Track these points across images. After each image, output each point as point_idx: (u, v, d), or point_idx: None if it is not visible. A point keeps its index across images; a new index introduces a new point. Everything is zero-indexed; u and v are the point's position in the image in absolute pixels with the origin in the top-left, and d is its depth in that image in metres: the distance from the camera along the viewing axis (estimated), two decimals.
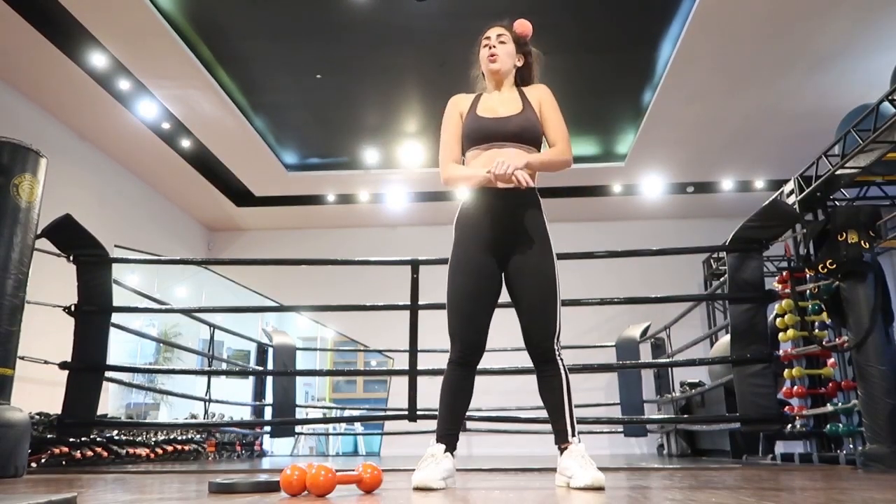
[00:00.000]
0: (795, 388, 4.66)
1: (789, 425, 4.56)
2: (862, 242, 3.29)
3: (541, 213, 2.24)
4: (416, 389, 3.63)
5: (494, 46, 2.37)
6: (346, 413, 10.09)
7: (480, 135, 2.26)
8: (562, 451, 2.09)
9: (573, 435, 2.07)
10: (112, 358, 4.16)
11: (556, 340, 2.14)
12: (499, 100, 2.34)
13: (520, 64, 2.42)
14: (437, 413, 2.21)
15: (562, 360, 2.15)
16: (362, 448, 9.86)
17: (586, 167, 8.60)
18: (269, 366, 7.48)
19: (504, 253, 2.20)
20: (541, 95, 2.35)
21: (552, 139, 2.30)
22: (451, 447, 2.14)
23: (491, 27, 2.44)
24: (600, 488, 1.90)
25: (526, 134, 2.24)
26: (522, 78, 2.44)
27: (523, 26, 2.47)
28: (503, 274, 2.23)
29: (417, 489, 1.96)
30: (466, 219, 2.25)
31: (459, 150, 2.33)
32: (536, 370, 2.18)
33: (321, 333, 10.72)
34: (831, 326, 4.51)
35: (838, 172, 5.27)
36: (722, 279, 4.13)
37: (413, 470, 2.06)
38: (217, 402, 6.28)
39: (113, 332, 3.90)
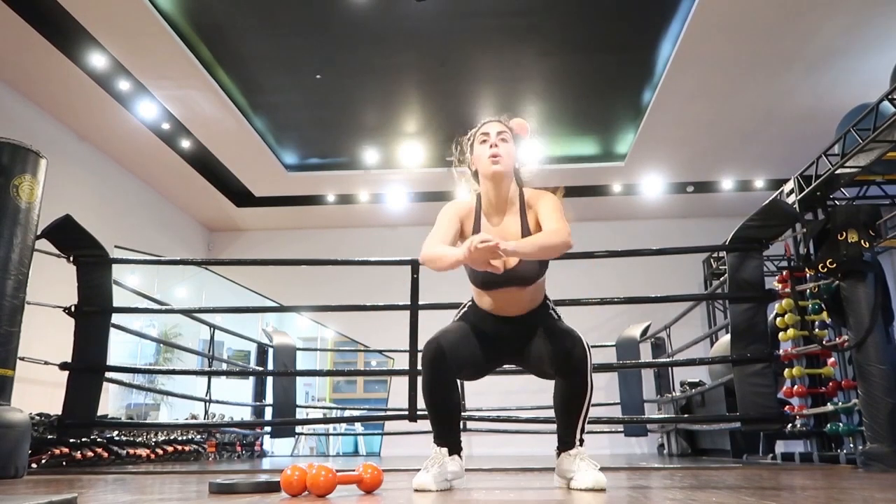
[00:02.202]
0: (796, 387, 4.66)
1: (789, 425, 4.56)
2: (862, 242, 3.29)
3: (551, 314, 2.16)
4: (416, 389, 3.63)
5: (496, 145, 2.12)
6: (347, 413, 10.08)
7: (485, 282, 2.09)
8: (560, 452, 2.07)
9: (580, 441, 2.03)
10: (112, 358, 4.16)
11: (587, 350, 1.98)
12: (501, 226, 2.14)
13: (517, 166, 2.22)
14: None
15: (592, 371, 1.99)
16: (363, 448, 9.86)
17: (586, 167, 8.60)
18: (270, 366, 7.48)
19: (514, 352, 2.17)
20: (541, 207, 2.13)
21: (546, 225, 2.06)
22: (458, 448, 2.10)
23: (488, 122, 2.19)
24: (602, 490, 1.89)
25: (530, 278, 2.07)
26: (518, 178, 2.23)
27: (523, 127, 2.23)
28: (521, 359, 2.18)
29: (417, 491, 1.96)
30: (473, 318, 2.17)
31: (451, 241, 2.11)
32: (562, 378, 2.03)
33: (321, 333, 10.72)
34: (831, 326, 4.51)
35: (838, 172, 5.27)
36: (722, 279, 4.13)
37: (414, 470, 2.06)
38: (217, 402, 6.27)
39: (113, 332, 3.89)
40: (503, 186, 2.14)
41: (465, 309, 2.24)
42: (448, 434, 2.09)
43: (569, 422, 2.02)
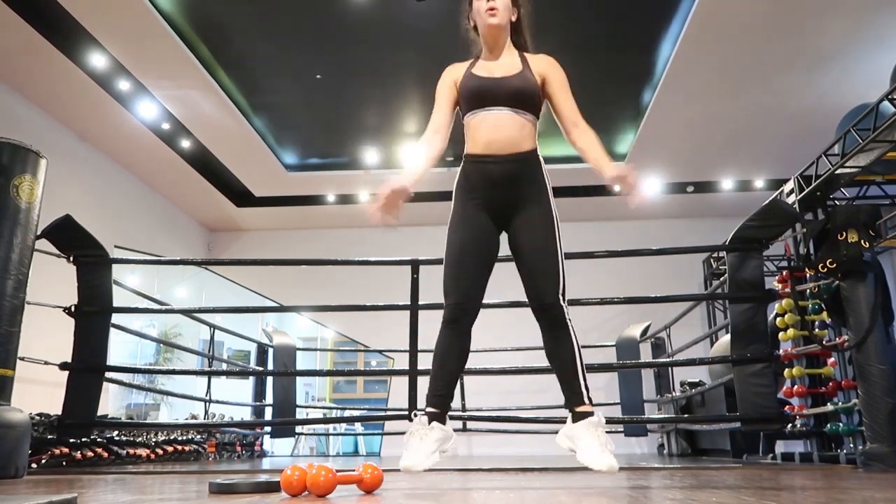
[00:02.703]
0: (796, 387, 4.66)
1: (789, 425, 4.56)
2: (862, 242, 3.29)
3: (541, 171, 2.21)
4: (416, 389, 3.62)
5: None
6: (347, 413, 10.09)
7: (476, 96, 2.21)
8: (576, 415, 2.05)
9: (588, 399, 2.05)
10: (112, 358, 4.16)
11: (562, 297, 2.09)
12: (496, 62, 2.28)
13: (514, 18, 2.33)
14: None
15: (571, 320, 2.11)
16: (363, 448, 9.85)
17: (586, 167, 8.43)
18: (270, 366, 7.48)
19: (504, 213, 2.19)
20: (545, 68, 2.28)
21: (570, 119, 2.24)
22: (440, 412, 2.11)
23: None
24: (613, 473, 1.92)
25: (522, 96, 2.19)
26: (516, 35, 2.36)
27: None
28: (507, 236, 2.22)
29: (406, 471, 1.96)
30: (465, 181, 2.23)
31: (445, 120, 2.29)
32: (544, 334, 2.13)
33: (321, 333, 10.72)
34: (831, 326, 4.51)
35: (838, 172, 5.27)
36: (722, 279, 4.13)
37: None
38: (217, 402, 6.28)
39: (113, 332, 3.90)
40: (500, 39, 2.29)
41: (456, 183, 2.26)
42: (441, 392, 2.12)
43: (565, 375, 2.09)
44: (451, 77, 2.33)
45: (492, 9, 2.23)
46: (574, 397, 2.07)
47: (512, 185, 2.16)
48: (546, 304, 2.10)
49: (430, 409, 2.12)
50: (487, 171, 2.18)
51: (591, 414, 2.03)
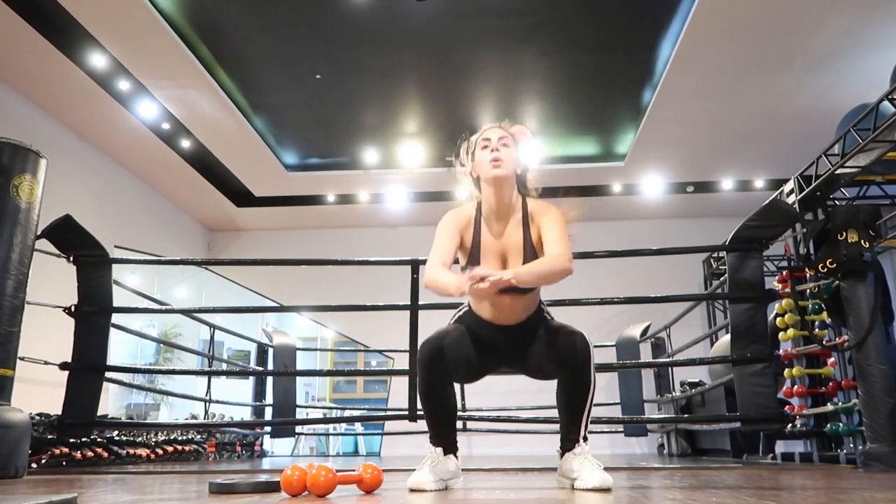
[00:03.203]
0: (796, 387, 4.66)
1: (789, 425, 4.56)
2: (862, 242, 3.29)
3: (544, 313, 2.18)
4: (416, 389, 3.62)
5: (497, 150, 2.12)
6: (347, 413, 10.08)
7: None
8: (564, 452, 2.06)
9: (584, 439, 2.03)
10: (112, 358, 4.16)
11: (590, 344, 2.01)
12: (504, 236, 2.14)
13: (519, 172, 2.20)
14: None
15: (594, 366, 2.01)
16: (363, 448, 9.85)
17: (586, 167, 8.60)
18: (270, 366, 7.48)
19: (510, 356, 2.18)
20: (542, 219, 2.14)
21: (547, 247, 2.07)
22: (453, 448, 2.11)
23: (489, 128, 2.19)
24: (608, 490, 1.88)
25: (530, 287, 2.07)
26: (520, 185, 2.23)
27: (524, 133, 2.23)
28: (523, 365, 2.19)
29: (412, 490, 1.96)
30: (469, 324, 2.17)
31: (450, 259, 2.13)
32: (563, 380, 2.05)
33: (321, 333, 10.72)
34: (831, 326, 4.51)
35: (838, 172, 5.27)
36: (722, 279, 4.13)
37: (413, 470, 2.06)
38: (217, 402, 6.27)
39: (113, 332, 3.89)
40: (505, 192, 2.14)
41: (461, 313, 2.24)
42: (444, 434, 2.09)
43: (572, 419, 2.03)
44: (458, 228, 2.17)
45: (497, 160, 2.10)
46: (567, 442, 2.04)
47: (519, 338, 2.14)
48: (576, 356, 1.99)
49: (444, 443, 2.10)
50: (492, 333, 2.15)
51: (574, 447, 2.02)
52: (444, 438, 2.09)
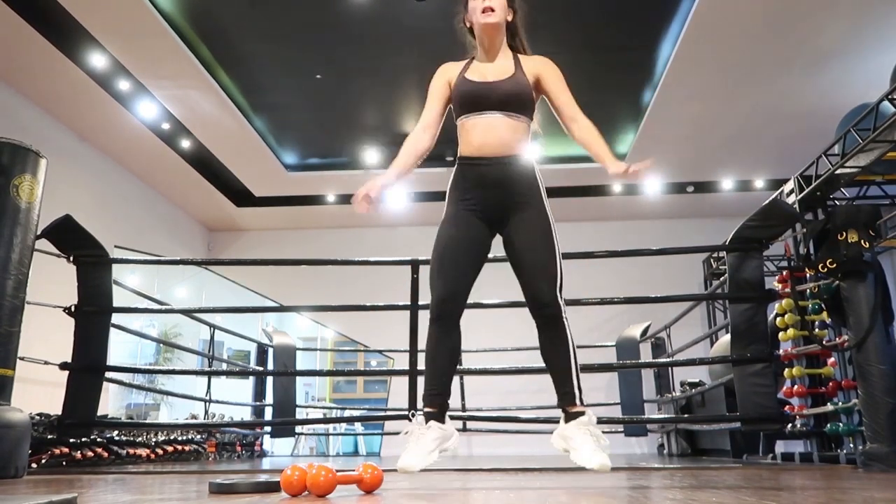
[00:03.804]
0: (796, 387, 4.66)
1: (789, 425, 4.56)
2: (862, 242, 3.29)
3: (535, 173, 2.22)
4: (416, 389, 3.62)
5: None
6: (347, 413, 10.09)
7: (468, 100, 2.22)
8: (567, 415, 2.06)
9: (581, 399, 2.05)
10: (112, 358, 4.16)
11: (559, 295, 2.09)
12: (490, 65, 2.29)
13: (509, 18, 2.33)
14: None
15: (567, 318, 2.11)
16: (363, 448, 9.85)
17: (586, 167, 8.60)
18: (270, 366, 7.48)
19: (497, 215, 2.19)
20: (539, 67, 2.29)
21: (569, 115, 2.24)
22: (437, 411, 2.10)
23: None
24: (606, 471, 1.93)
25: (515, 100, 2.20)
26: (511, 36, 2.36)
27: None
28: (502, 239, 2.23)
29: (403, 472, 1.96)
30: (458, 183, 2.24)
31: (435, 117, 2.31)
32: (540, 331, 2.13)
33: (321, 333, 10.71)
34: (831, 326, 4.51)
35: (838, 172, 5.27)
36: (722, 279, 4.13)
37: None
38: (217, 402, 6.27)
39: (113, 332, 3.89)
40: (496, 39, 2.29)
41: (450, 184, 2.26)
42: (436, 391, 2.11)
43: (560, 374, 2.08)
44: (445, 77, 2.34)
45: (487, 8, 2.23)
46: (566, 397, 2.07)
47: (505, 186, 2.17)
48: (543, 301, 2.09)
49: (427, 409, 2.12)
50: (480, 173, 2.19)
51: (582, 414, 2.03)
52: (438, 392, 2.11)
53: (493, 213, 2.19)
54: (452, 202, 2.23)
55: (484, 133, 2.18)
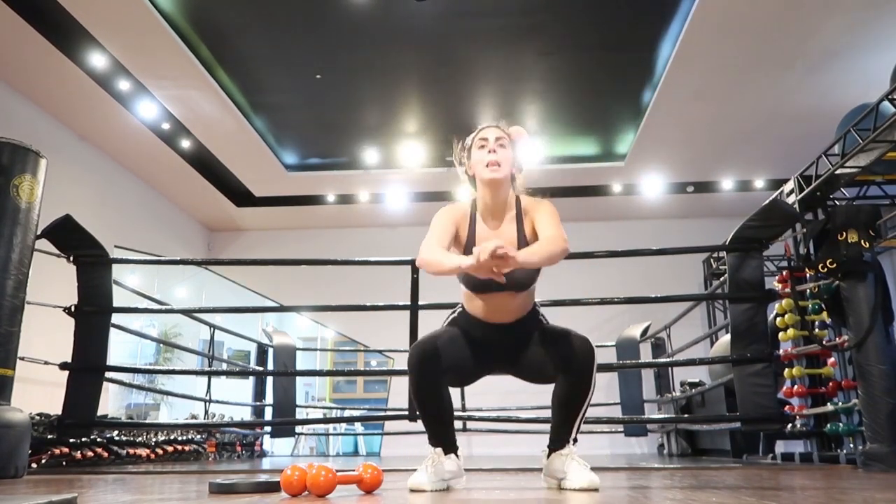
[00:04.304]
0: (796, 387, 4.66)
1: (789, 425, 4.56)
2: (862, 242, 3.29)
3: (538, 318, 2.19)
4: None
5: (494, 151, 2.11)
6: (347, 413, 10.08)
7: (477, 285, 2.07)
8: (551, 451, 2.05)
9: (573, 440, 2.03)
10: (112, 358, 4.16)
11: (595, 358, 2.00)
12: (496, 234, 2.14)
13: (514, 172, 2.19)
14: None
15: (596, 369, 2.00)
16: (363, 448, 9.85)
17: (586, 167, 8.60)
18: (270, 366, 7.48)
19: (504, 358, 2.17)
20: (536, 214, 2.14)
21: (542, 232, 2.07)
22: (453, 447, 2.09)
23: (486, 128, 2.18)
24: (595, 490, 1.88)
25: (525, 284, 2.09)
26: (511, 182, 2.22)
27: (521, 134, 2.22)
28: (515, 370, 2.19)
29: (412, 490, 1.96)
30: (461, 324, 2.18)
31: (448, 244, 2.12)
32: (563, 382, 2.03)
33: (321, 333, 10.71)
34: (831, 326, 4.51)
35: (838, 172, 5.27)
36: (722, 279, 4.13)
37: (413, 470, 2.06)
38: (217, 402, 6.27)
39: (113, 332, 3.89)
40: (500, 193, 2.14)
41: (455, 314, 2.24)
42: (441, 434, 2.08)
43: (566, 420, 2.02)
44: (453, 225, 2.16)
45: (493, 163, 2.09)
46: (559, 442, 2.02)
47: (514, 339, 2.14)
48: (578, 365, 1.98)
49: (446, 442, 2.09)
50: (486, 332, 2.15)
51: (563, 447, 2.01)
52: (442, 438, 2.07)
53: (498, 354, 2.16)
54: (453, 326, 2.19)
55: (493, 310, 2.12)
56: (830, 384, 4.48)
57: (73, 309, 3.60)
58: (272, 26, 6.02)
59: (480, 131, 2.19)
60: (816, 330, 4.52)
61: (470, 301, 2.17)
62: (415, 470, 2.03)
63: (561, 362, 2.01)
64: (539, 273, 2.13)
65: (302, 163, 8.72)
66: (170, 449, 5.47)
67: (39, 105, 6.61)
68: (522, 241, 2.11)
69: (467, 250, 2.12)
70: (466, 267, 1.86)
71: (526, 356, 2.13)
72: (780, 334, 4.79)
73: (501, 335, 2.14)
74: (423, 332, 3.71)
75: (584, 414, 2.01)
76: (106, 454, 4.60)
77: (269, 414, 6.85)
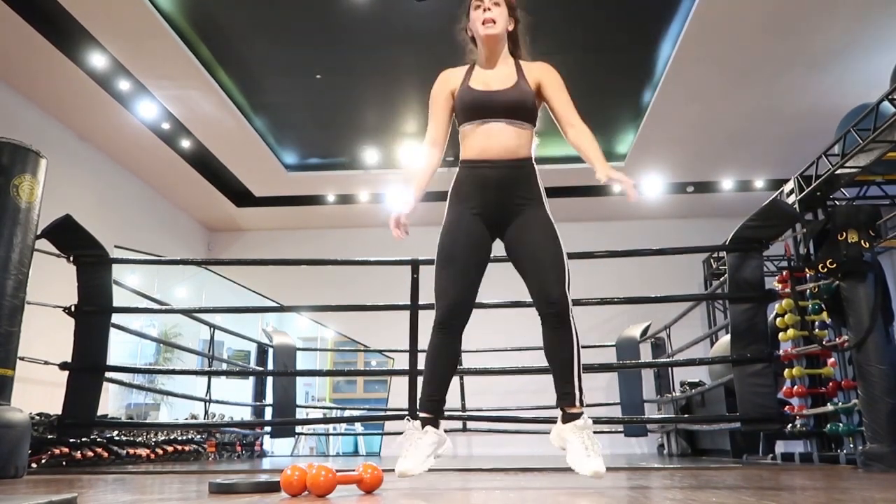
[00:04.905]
0: (796, 387, 4.66)
1: (789, 425, 4.56)
2: (862, 242, 3.29)
3: (536, 178, 2.22)
4: (416, 389, 3.62)
5: (489, 9, 2.25)
6: (347, 413, 10.08)
7: (472, 109, 2.22)
8: (565, 416, 2.07)
9: (580, 401, 2.05)
10: (112, 358, 4.16)
11: (567, 292, 2.10)
12: (493, 72, 2.28)
13: (510, 28, 2.32)
14: None
15: (574, 318, 2.10)
16: (363, 448, 9.85)
17: (586, 167, 8.47)
18: (270, 366, 7.48)
19: (498, 219, 2.20)
20: (540, 74, 2.29)
21: (566, 119, 2.26)
22: (433, 416, 2.12)
23: None
24: (599, 477, 1.94)
25: (519, 109, 2.20)
26: (512, 44, 2.36)
27: None
28: (504, 243, 2.23)
29: (402, 476, 1.97)
30: (460, 187, 2.25)
31: (442, 132, 2.33)
32: (546, 331, 2.12)
33: (321, 333, 10.71)
34: (831, 326, 4.51)
35: (838, 172, 5.27)
36: (722, 279, 4.13)
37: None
38: (217, 402, 6.27)
39: (113, 332, 3.89)
40: (497, 48, 2.29)
41: (451, 188, 2.28)
42: (435, 398, 2.12)
43: (563, 373, 2.08)
44: (448, 87, 2.33)
45: (488, 20, 2.23)
46: (566, 397, 2.07)
47: (506, 189, 2.18)
48: (552, 298, 2.09)
49: (423, 415, 2.13)
50: (482, 176, 2.19)
51: (579, 416, 2.04)
52: (434, 399, 2.12)
53: (494, 216, 2.19)
54: (453, 206, 2.24)
55: (487, 139, 2.19)
56: (830, 384, 4.48)
57: (73, 309, 3.60)
58: (272, 26, 6.02)
59: None
60: (816, 330, 4.52)
61: (465, 140, 2.24)
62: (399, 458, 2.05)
63: (535, 296, 2.12)
64: (537, 111, 2.26)
65: (302, 163, 8.72)
66: (170, 449, 5.47)
67: (40, 105, 6.61)
68: (522, 83, 2.23)
69: (459, 99, 2.27)
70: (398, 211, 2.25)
71: (515, 238, 2.18)
72: (780, 334, 4.79)
73: (498, 183, 2.18)
74: (423, 333, 3.72)
75: (579, 364, 2.08)
76: (106, 454, 4.59)
77: (269, 414, 6.85)
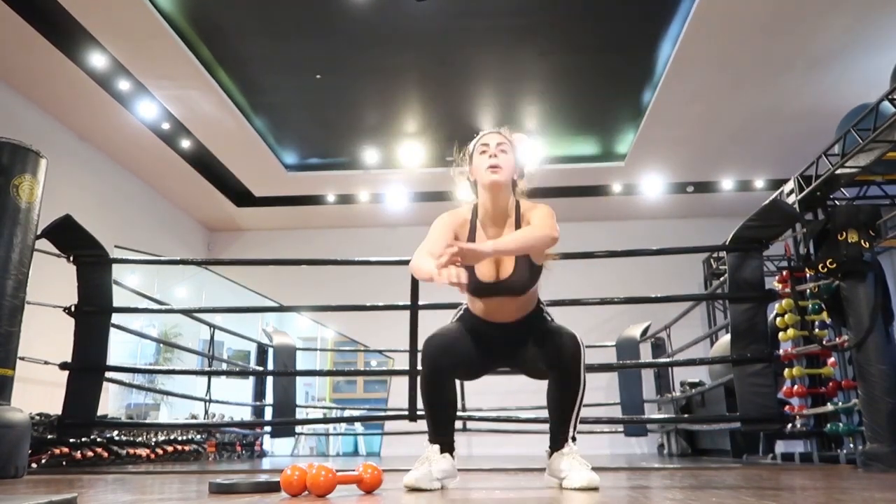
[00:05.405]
0: (796, 387, 4.66)
1: (789, 425, 4.56)
2: (862, 242, 3.29)
3: (543, 315, 2.19)
4: (416, 389, 3.62)
5: (496, 156, 2.12)
6: (347, 413, 10.08)
7: (476, 293, 2.14)
8: (552, 451, 2.07)
9: (572, 439, 2.04)
10: (112, 358, 4.16)
11: (582, 350, 2.03)
12: (495, 232, 2.16)
13: (515, 178, 2.19)
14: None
15: (586, 365, 2.03)
16: (363, 448, 9.85)
17: (586, 167, 8.60)
18: (270, 366, 7.48)
19: (507, 352, 2.19)
20: (532, 214, 2.14)
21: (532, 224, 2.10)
22: (451, 446, 2.11)
23: (487, 133, 2.20)
24: (595, 489, 1.90)
25: (520, 288, 2.10)
26: (513, 189, 2.21)
27: (522, 140, 2.25)
28: (517, 362, 2.21)
29: (409, 489, 1.96)
30: (466, 321, 2.21)
31: (441, 247, 2.06)
32: (553, 383, 2.07)
33: (321, 333, 10.71)
34: (831, 326, 4.51)
35: (838, 172, 5.27)
36: (722, 279, 4.13)
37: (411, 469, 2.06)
38: (217, 402, 6.27)
39: (113, 332, 3.89)
40: (501, 197, 2.14)
41: (461, 312, 2.27)
42: (443, 431, 2.10)
43: (561, 419, 2.04)
44: (452, 226, 2.17)
45: (495, 166, 2.10)
46: (556, 441, 2.05)
47: (515, 336, 2.17)
48: (564, 362, 2.02)
49: (443, 440, 2.10)
50: (489, 329, 2.18)
51: (564, 445, 2.03)
52: (443, 435, 2.09)
53: (503, 350, 2.19)
54: (460, 323, 2.22)
55: (493, 311, 2.15)
56: (830, 384, 4.48)
57: (73, 309, 3.60)
58: (272, 26, 6.02)
59: (482, 137, 2.20)
60: (816, 330, 4.52)
61: (472, 302, 2.20)
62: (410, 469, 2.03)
63: (548, 359, 2.04)
64: (538, 277, 2.14)
65: (302, 163, 8.72)
66: (170, 449, 5.47)
67: (40, 105, 6.61)
68: (524, 263, 2.10)
69: (469, 279, 2.09)
70: (434, 274, 1.81)
71: (523, 353, 2.15)
72: (780, 334, 4.79)
73: (503, 332, 2.17)
74: (423, 333, 3.72)
75: (578, 412, 2.03)
76: (106, 454, 4.60)
77: (269, 414, 6.85)
